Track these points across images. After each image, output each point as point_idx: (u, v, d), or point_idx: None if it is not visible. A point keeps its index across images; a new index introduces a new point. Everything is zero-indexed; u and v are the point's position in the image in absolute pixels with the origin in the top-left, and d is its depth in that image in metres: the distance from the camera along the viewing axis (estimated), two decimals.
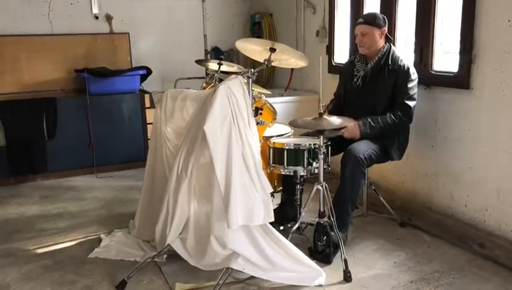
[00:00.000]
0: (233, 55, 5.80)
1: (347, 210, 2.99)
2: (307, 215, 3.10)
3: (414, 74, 3.14)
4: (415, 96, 3.13)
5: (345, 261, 2.71)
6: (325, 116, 2.84)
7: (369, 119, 3.07)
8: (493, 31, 2.92)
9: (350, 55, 4.12)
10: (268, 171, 3.06)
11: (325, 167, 2.92)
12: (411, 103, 3.10)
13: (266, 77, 5.60)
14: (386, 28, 3.17)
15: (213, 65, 4.00)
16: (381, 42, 3.18)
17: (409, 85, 3.10)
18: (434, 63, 3.37)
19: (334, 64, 4.45)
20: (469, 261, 2.91)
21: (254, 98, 2.99)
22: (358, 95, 3.25)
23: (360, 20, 3.21)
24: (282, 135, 3.31)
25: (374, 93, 3.17)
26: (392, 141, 3.16)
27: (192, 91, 3.07)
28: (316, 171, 2.91)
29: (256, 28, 5.66)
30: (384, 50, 3.18)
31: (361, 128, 3.05)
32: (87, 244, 3.20)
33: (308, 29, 4.84)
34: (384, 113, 3.10)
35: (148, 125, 4.91)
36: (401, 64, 3.13)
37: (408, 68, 3.12)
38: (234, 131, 2.55)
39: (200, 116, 2.70)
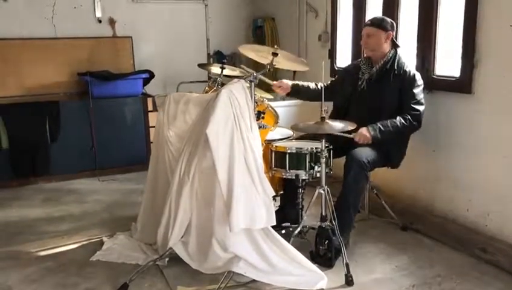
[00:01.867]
0: (235, 59, 5.81)
1: (349, 214, 2.99)
2: (309, 219, 3.10)
3: (420, 80, 3.14)
4: (423, 101, 3.13)
5: (347, 265, 2.71)
6: (327, 121, 2.84)
7: (379, 125, 3.02)
8: (495, 36, 2.92)
9: (352, 60, 4.13)
10: (270, 174, 3.06)
11: (327, 170, 2.92)
12: (420, 108, 3.09)
13: None
14: (392, 33, 3.18)
15: (215, 69, 4.01)
16: (386, 46, 3.18)
17: (415, 90, 3.10)
18: (436, 68, 3.38)
19: (336, 68, 4.46)
20: (470, 266, 2.90)
21: (256, 102, 3.00)
22: (363, 98, 3.25)
23: (367, 22, 3.24)
24: (284, 138, 3.32)
25: (379, 96, 3.16)
26: (394, 148, 3.16)
27: (194, 95, 3.09)
28: (318, 175, 2.91)
29: (258, 32, 5.68)
30: (390, 55, 3.18)
31: (372, 133, 3.00)
32: (89, 247, 3.21)
33: (311, 33, 4.85)
34: (390, 118, 3.10)
35: (150, 129, 4.94)
36: (407, 70, 3.13)
37: (414, 74, 3.13)
38: (236, 134, 2.56)
39: (203, 120, 2.71)
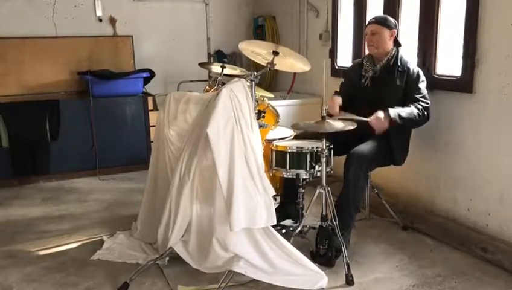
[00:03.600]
0: (236, 58, 5.81)
1: (350, 213, 2.99)
2: (309, 218, 3.10)
3: (423, 76, 3.17)
4: (427, 96, 3.14)
5: (347, 264, 2.70)
6: (328, 120, 2.84)
7: (398, 109, 2.99)
8: (496, 35, 2.92)
9: (353, 59, 4.13)
10: (271, 174, 3.06)
11: (327, 170, 2.91)
12: (427, 101, 3.12)
13: (269, 80, 5.61)
14: (396, 31, 3.19)
15: (216, 68, 4.01)
16: (390, 44, 3.19)
17: (420, 85, 3.12)
18: (437, 67, 3.37)
19: (337, 67, 4.45)
20: (471, 266, 2.90)
21: (257, 101, 3.00)
22: (366, 96, 3.24)
23: (372, 19, 3.24)
24: (285, 138, 3.31)
25: (383, 94, 3.16)
26: (395, 145, 3.15)
27: (195, 94, 3.08)
28: (319, 174, 2.91)
29: (259, 31, 5.67)
30: (393, 52, 3.19)
31: (390, 114, 2.96)
32: (90, 246, 3.20)
33: (311, 32, 4.85)
34: None
35: (151, 128, 4.93)
36: (410, 67, 3.16)
37: (418, 71, 3.16)
38: (237, 134, 2.55)
39: (203, 119, 2.71)
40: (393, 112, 2.99)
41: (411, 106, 3.07)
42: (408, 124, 3.07)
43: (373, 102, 3.17)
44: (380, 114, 2.98)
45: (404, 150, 3.22)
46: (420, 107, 3.07)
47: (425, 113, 3.09)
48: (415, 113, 3.05)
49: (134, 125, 4.94)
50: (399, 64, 3.15)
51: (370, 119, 2.99)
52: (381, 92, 3.17)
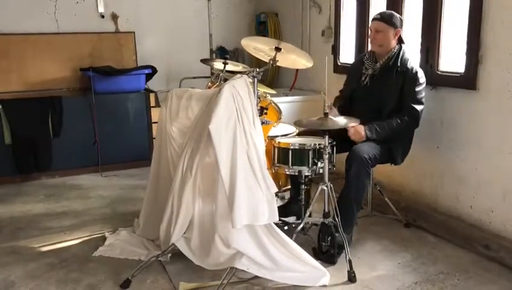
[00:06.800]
0: (238, 54, 5.80)
1: (352, 210, 2.98)
2: (312, 215, 3.09)
3: (422, 78, 3.11)
4: (423, 100, 3.11)
5: (350, 261, 2.70)
6: (331, 117, 2.83)
7: (376, 126, 3.03)
8: (500, 32, 2.90)
9: (356, 55, 4.12)
10: (273, 171, 3.05)
11: (329, 167, 2.91)
12: (418, 107, 3.07)
13: (271, 77, 5.60)
14: (400, 30, 3.15)
15: (218, 64, 3.99)
16: (393, 43, 3.15)
17: (417, 89, 3.08)
18: (440, 64, 3.35)
19: (339, 64, 4.44)
20: (474, 263, 2.89)
21: (259, 98, 2.99)
22: (365, 94, 3.23)
23: (377, 16, 3.17)
24: (287, 134, 3.31)
25: (381, 93, 3.15)
26: (396, 145, 3.14)
27: (197, 90, 3.08)
28: (321, 171, 2.90)
29: (261, 28, 5.66)
30: (395, 51, 3.15)
31: (367, 133, 3.01)
32: (92, 242, 3.21)
33: (314, 29, 4.83)
34: (391, 114, 3.08)
35: (153, 125, 4.93)
36: (410, 66, 3.10)
37: (416, 72, 3.10)
38: (239, 130, 2.55)
39: (205, 116, 2.70)
40: (370, 130, 3.01)
41: (395, 118, 3.05)
42: (387, 137, 3.06)
43: (371, 101, 3.16)
44: (360, 128, 3.00)
45: (403, 151, 3.20)
46: (405, 118, 3.05)
47: (411, 122, 3.08)
48: (395, 127, 3.04)
49: (137, 121, 4.94)
50: (398, 64, 3.11)
51: (349, 129, 2.99)
52: (379, 91, 3.15)
